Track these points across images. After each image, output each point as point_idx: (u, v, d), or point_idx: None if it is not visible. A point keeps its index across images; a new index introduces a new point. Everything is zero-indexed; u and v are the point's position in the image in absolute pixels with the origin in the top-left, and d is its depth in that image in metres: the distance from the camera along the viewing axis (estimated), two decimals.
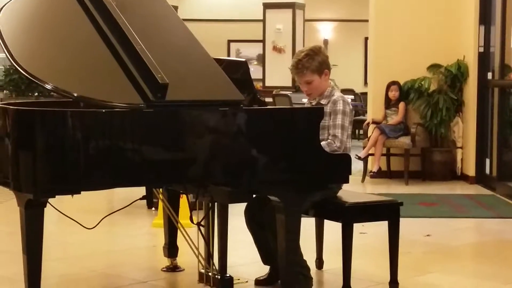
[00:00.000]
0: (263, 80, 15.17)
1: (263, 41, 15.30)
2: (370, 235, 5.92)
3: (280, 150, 3.99)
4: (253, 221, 4.63)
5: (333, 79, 4.70)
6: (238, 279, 4.62)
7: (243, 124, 3.92)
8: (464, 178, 9.38)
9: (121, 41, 3.98)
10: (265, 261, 4.70)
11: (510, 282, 4.86)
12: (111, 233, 6.27)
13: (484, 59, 9.21)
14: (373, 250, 5.62)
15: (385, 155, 9.63)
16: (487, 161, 9.20)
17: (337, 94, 4.58)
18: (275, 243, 4.18)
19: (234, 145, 3.89)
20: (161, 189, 4.93)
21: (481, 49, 9.20)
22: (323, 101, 4.56)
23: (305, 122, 4.10)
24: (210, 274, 4.50)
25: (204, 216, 4.49)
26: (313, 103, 4.62)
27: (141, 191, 5.13)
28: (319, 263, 5.04)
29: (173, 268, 5.02)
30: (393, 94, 9.51)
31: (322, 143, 4.37)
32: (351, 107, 4.58)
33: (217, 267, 4.47)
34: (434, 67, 9.55)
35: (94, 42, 4.02)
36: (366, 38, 13.30)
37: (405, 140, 9.31)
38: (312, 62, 4.51)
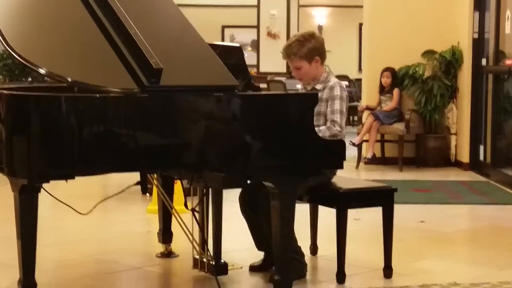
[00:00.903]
0: (257, 66, 15.16)
1: (257, 26, 15.27)
2: (364, 221, 5.94)
3: (274, 135, 3.98)
4: (247, 207, 4.63)
5: (327, 65, 4.70)
6: (233, 265, 4.62)
7: (238, 109, 3.91)
8: (458, 164, 9.39)
9: (115, 26, 3.96)
10: (259, 247, 4.70)
11: (504, 268, 4.88)
12: (106, 219, 6.27)
13: (478, 45, 9.21)
14: (367, 236, 5.63)
15: (379, 142, 9.64)
16: (481, 147, 9.21)
17: (333, 79, 4.58)
18: (270, 229, 4.18)
19: (229, 131, 3.87)
20: (155, 175, 4.93)
21: (476, 35, 9.20)
22: (318, 86, 4.56)
23: (300, 107, 4.09)
24: (204, 260, 4.50)
25: (198, 202, 4.49)
26: (308, 88, 4.63)
27: (136, 176, 5.12)
28: (314, 249, 5.05)
29: (168, 254, 5.02)
30: (385, 80, 9.50)
31: (322, 127, 4.39)
32: (347, 93, 4.58)
33: (211, 253, 4.47)
34: (428, 53, 9.54)
35: (88, 27, 4.00)
36: (361, 24, 13.30)
37: (399, 127, 9.31)
38: (301, 49, 4.51)
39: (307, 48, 4.51)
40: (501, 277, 4.61)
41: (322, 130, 4.37)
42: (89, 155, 3.62)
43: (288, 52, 4.55)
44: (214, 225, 4.47)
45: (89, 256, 5.13)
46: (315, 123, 4.19)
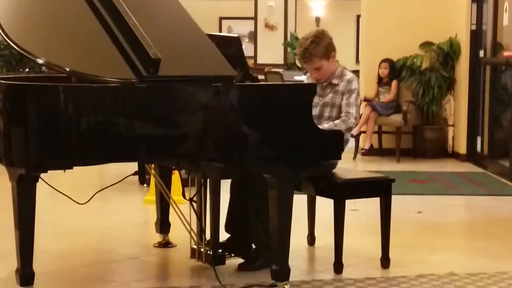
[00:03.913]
0: (254, 57, 15.12)
1: (255, 18, 15.23)
2: (362, 212, 5.95)
3: (272, 126, 3.98)
4: (237, 186, 4.61)
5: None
6: (230, 255, 4.63)
7: (236, 100, 3.91)
8: (455, 155, 9.40)
9: (114, 16, 3.96)
10: (227, 229, 4.68)
11: (500, 258, 4.89)
12: (103, 209, 6.27)
13: (476, 37, 9.21)
14: (365, 227, 5.64)
15: (376, 133, 9.66)
16: (479, 139, 9.23)
17: (349, 73, 4.66)
18: (255, 216, 4.27)
19: (227, 121, 3.87)
20: (153, 165, 4.93)
21: (473, 27, 9.21)
22: (334, 81, 4.63)
23: (298, 98, 4.09)
24: (202, 249, 4.51)
25: (196, 192, 4.50)
26: (325, 84, 4.66)
27: (133, 166, 5.13)
28: (311, 239, 5.06)
29: (165, 244, 5.03)
30: (382, 71, 9.51)
31: (337, 121, 4.46)
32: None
33: (209, 243, 4.48)
34: (426, 45, 9.54)
35: (86, 17, 3.99)
36: (358, 16, 13.28)
37: (397, 118, 9.32)
38: (319, 48, 4.56)
39: (324, 46, 4.59)
40: (498, 268, 4.63)
41: (338, 124, 4.45)
42: (87, 145, 3.62)
43: (307, 55, 4.57)
44: (212, 215, 4.47)
45: (87, 246, 5.14)
46: (328, 114, 4.28)
